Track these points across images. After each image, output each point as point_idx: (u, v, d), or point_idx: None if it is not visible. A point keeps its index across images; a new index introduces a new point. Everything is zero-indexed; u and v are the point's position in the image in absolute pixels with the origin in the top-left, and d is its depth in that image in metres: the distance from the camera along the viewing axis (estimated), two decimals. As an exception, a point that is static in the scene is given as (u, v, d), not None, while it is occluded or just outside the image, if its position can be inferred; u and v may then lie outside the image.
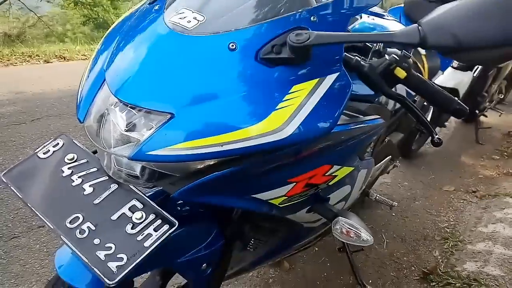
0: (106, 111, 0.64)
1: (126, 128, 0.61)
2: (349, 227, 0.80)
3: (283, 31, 0.62)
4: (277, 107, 0.59)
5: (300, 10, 0.63)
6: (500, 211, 1.95)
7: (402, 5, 1.80)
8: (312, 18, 0.63)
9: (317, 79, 0.62)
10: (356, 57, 0.73)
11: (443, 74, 1.67)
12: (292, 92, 0.60)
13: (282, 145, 0.59)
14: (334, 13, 0.65)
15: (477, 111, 3.05)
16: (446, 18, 0.56)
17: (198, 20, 0.63)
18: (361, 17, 1.07)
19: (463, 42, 0.54)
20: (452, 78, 2.42)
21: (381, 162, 1.54)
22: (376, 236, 1.76)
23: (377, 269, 1.56)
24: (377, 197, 1.53)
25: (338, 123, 0.65)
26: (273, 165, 0.68)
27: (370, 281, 1.48)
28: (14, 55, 6.85)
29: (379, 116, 0.87)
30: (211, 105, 0.59)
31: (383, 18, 1.14)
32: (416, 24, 0.58)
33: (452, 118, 3.36)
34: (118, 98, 0.61)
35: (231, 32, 0.62)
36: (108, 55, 0.70)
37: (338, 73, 0.64)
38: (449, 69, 2.50)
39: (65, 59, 7.13)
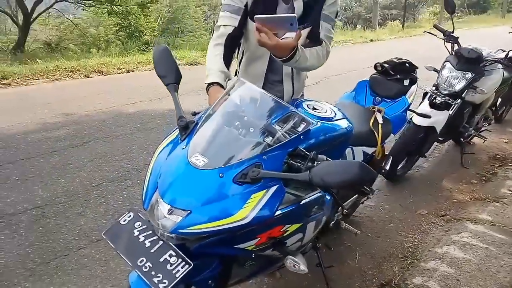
0: (157, 202, 1.20)
1: (168, 213, 1.17)
2: (293, 262, 1.34)
3: (247, 166, 1.16)
4: (243, 206, 1.13)
5: (258, 153, 1.18)
6: (457, 235, 2.40)
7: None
8: (264, 157, 1.17)
9: (265, 190, 1.16)
10: (298, 164, 1.25)
11: (394, 136, 2.15)
12: (251, 198, 1.15)
13: (246, 226, 1.13)
14: (276, 154, 1.20)
15: (461, 139, 3.46)
16: (321, 169, 1.08)
17: (204, 161, 1.19)
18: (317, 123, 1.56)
19: (326, 183, 1.06)
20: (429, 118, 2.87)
21: (349, 200, 2.05)
22: (351, 253, 2.27)
23: (346, 280, 2.06)
24: (346, 227, 2.03)
25: (283, 205, 1.19)
26: (245, 230, 1.22)
27: (339, 289, 1.99)
28: (58, 70, 7.65)
29: (318, 191, 1.39)
30: (210, 206, 1.14)
31: (333, 120, 1.63)
32: (308, 171, 1.10)
33: (441, 143, 3.76)
34: (163, 199, 1.17)
35: (220, 168, 1.18)
36: (158, 170, 1.26)
37: (277, 185, 1.18)
38: (428, 110, 2.94)
39: (103, 73, 7.84)
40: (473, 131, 3.50)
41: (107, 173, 3.23)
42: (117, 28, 14.17)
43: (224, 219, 1.12)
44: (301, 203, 1.31)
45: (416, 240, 2.41)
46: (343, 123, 1.63)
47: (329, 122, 1.57)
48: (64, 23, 13.36)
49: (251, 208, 1.13)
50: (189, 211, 1.13)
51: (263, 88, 2.04)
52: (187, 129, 1.33)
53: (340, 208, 1.99)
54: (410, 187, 3.11)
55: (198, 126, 1.33)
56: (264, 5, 1.65)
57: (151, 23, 13.88)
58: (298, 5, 1.64)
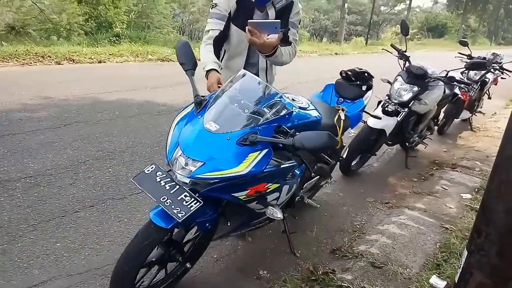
0: (177, 156, 1.58)
1: (185, 164, 1.55)
2: (273, 210, 1.77)
3: (247, 133, 1.58)
4: (242, 162, 1.54)
5: (255, 125, 1.60)
6: (396, 217, 2.93)
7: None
8: (259, 128, 1.60)
9: (259, 152, 1.58)
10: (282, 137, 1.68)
11: (352, 129, 2.66)
12: (248, 156, 1.56)
13: (242, 177, 1.54)
14: (267, 126, 1.62)
15: (407, 144, 4.06)
16: (302, 137, 1.51)
17: (216, 127, 1.59)
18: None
19: (304, 146, 1.50)
20: (381, 122, 3.41)
21: (312, 180, 2.51)
22: (310, 226, 2.72)
23: (306, 245, 2.51)
24: (308, 201, 2.48)
25: (269, 166, 1.62)
26: (240, 182, 1.63)
27: (299, 251, 2.43)
28: (29, 55, 7.61)
29: (293, 162, 1.83)
30: (218, 160, 1.54)
31: (307, 110, 2.08)
32: (292, 138, 1.53)
33: (392, 147, 4.37)
34: (183, 152, 1.55)
35: (228, 133, 1.58)
36: (178, 133, 1.64)
37: (267, 149, 1.60)
38: (380, 114, 3.49)
39: (74, 62, 7.89)
40: (417, 138, 4.12)
41: (92, 152, 3.49)
42: (85, 18, 13.91)
43: (228, 170, 1.52)
44: (280, 167, 1.74)
45: (363, 220, 2.91)
46: (314, 113, 2.08)
47: (304, 111, 2.01)
48: (24, 6, 12.85)
49: (248, 164, 1.54)
50: (203, 162, 1.52)
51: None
52: (201, 104, 1.73)
53: (304, 185, 2.45)
54: (361, 180, 3.65)
55: (210, 103, 1.73)
56: (244, 13, 2.12)
57: (121, 16, 13.80)
58: (271, 13, 2.13)
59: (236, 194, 1.66)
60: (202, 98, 1.73)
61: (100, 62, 8.27)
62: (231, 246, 2.43)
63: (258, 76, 2.31)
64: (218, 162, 1.53)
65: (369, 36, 21.94)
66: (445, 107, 4.71)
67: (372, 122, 3.44)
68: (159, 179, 1.61)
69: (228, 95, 1.74)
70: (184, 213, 1.52)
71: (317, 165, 2.49)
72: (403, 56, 3.84)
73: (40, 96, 5.00)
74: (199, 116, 1.67)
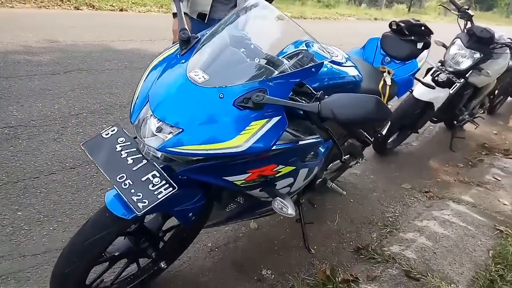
0: (146, 117, 1.09)
1: (156, 130, 1.06)
2: (282, 204, 1.26)
3: (251, 90, 1.05)
4: (241, 133, 1.03)
5: (263, 78, 1.06)
6: (439, 211, 2.38)
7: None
8: (269, 83, 1.06)
9: (266, 119, 1.06)
10: (303, 101, 1.15)
11: (398, 99, 2.08)
12: (251, 125, 1.04)
13: (239, 154, 1.03)
14: (283, 82, 1.08)
15: (455, 122, 3.41)
16: (333, 101, 0.98)
17: (204, 78, 1.08)
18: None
19: (336, 116, 0.97)
20: (428, 93, 2.78)
21: (340, 160, 1.98)
22: (331, 215, 2.22)
23: (323, 239, 2.03)
24: (332, 186, 1.97)
25: (281, 141, 1.10)
26: (237, 161, 1.12)
27: (315, 247, 1.95)
28: (47, -3, 7.19)
29: (317, 136, 1.30)
30: (204, 127, 1.04)
31: (343, 66, 1.52)
32: (318, 102, 1.00)
33: (434, 124, 3.73)
34: (153, 114, 1.05)
35: (221, 88, 1.06)
36: (151, 83, 1.14)
37: (280, 116, 1.07)
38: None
39: (94, 8, 7.42)
40: (467, 115, 3.45)
41: (88, 104, 3.05)
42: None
43: (217, 143, 1.02)
44: (298, 144, 1.22)
45: (397, 212, 2.38)
46: (353, 71, 1.52)
47: (338, 67, 1.46)
48: None
49: (248, 136, 1.03)
50: (181, 130, 1.03)
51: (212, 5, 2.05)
52: (188, 44, 1.21)
53: (329, 166, 1.92)
54: (397, 161, 3.07)
55: (201, 41, 1.21)
56: None
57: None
58: None
59: (230, 178, 1.17)
60: (190, 35, 1.21)
61: (121, 10, 7.74)
62: (231, 233, 1.98)
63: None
64: (204, 130, 1.04)
65: (412, 3, 20.24)
66: (502, 82, 3.96)
67: (419, 93, 2.81)
68: (120, 148, 1.14)
69: (230, 32, 1.22)
70: (147, 202, 1.05)
71: (348, 140, 1.95)
72: (464, 14, 3.12)
73: (47, 39, 4.56)
74: (183, 61, 1.16)
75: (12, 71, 3.41)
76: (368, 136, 1.49)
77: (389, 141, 3.05)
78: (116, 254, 1.35)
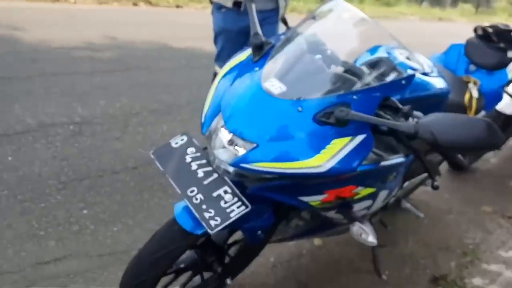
0: (217, 129, 1.00)
1: (228, 143, 0.97)
2: (361, 230, 1.12)
3: (334, 104, 0.94)
4: (321, 152, 0.92)
5: (347, 91, 0.96)
6: (526, 241, 2.12)
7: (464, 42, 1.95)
8: (354, 97, 0.94)
9: (349, 138, 0.94)
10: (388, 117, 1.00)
11: (485, 112, 1.86)
12: (332, 143, 0.93)
13: (319, 175, 0.93)
14: (368, 96, 0.97)
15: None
16: (434, 122, 0.84)
17: (281, 89, 0.98)
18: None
19: (437, 139, 0.83)
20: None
21: (417, 177, 1.80)
22: (403, 237, 2.04)
23: (396, 264, 1.85)
24: (408, 207, 1.79)
25: (365, 162, 0.98)
26: (314, 181, 1.01)
27: (387, 272, 1.78)
28: (106, -8, 7.43)
29: (401, 155, 1.15)
30: (281, 143, 0.94)
31: (429, 76, 1.35)
32: (414, 122, 0.86)
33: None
34: (225, 124, 0.96)
35: (300, 100, 0.96)
36: (223, 93, 1.06)
37: (365, 135, 0.95)
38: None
39: (151, 4, 7.58)
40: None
41: (147, 104, 3.05)
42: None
43: (295, 162, 0.92)
44: (381, 165, 1.08)
45: (478, 238, 2.14)
46: (440, 83, 1.35)
47: (425, 78, 1.29)
48: None
49: (329, 156, 0.92)
50: (255, 145, 0.93)
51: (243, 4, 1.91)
52: (262, 49, 1.11)
53: (404, 183, 1.75)
54: (474, 180, 2.78)
55: (276, 48, 1.11)
56: None
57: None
58: None
59: (305, 199, 1.06)
60: (264, 40, 1.12)
61: (177, 7, 7.88)
62: (294, 249, 1.85)
63: None
64: (280, 147, 0.94)
65: (479, 2, 19.03)
66: None
67: (502, 105, 2.53)
68: (190, 160, 1.07)
69: (306, 37, 1.11)
70: (219, 220, 0.98)
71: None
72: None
73: (107, 36, 4.67)
74: (256, 68, 1.06)
75: (75, 68, 3.49)
76: (464, 161, 1.33)
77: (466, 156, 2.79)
78: (182, 266, 1.30)
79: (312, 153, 0.93)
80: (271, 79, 1.00)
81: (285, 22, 1.76)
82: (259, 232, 1.17)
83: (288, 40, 1.12)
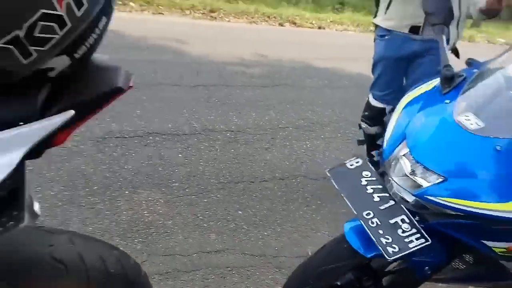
0: (399, 156, 1.01)
1: (412, 172, 0.97)
2: None
3: None
4: None
5: None
6: None
7: None
8: None
9: None
10: None
11: None
12: None
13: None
14: None
15: None
16: None
17: (478, 125, 0.94)
18: None
19: None
20: None
21: None
22: None
23: None
24: None
25: None
26: (504, 227, 0.94)
27: None
28: (257, 14, 8.07)
29: None
30: (473, 181, 0.91)
31: None
32: None
33: None
34: (410, 153, 0.97)
35: (499, 139, 0.91)
36: (407, 121, 1.07)
37: None
38: None
39: (295, 25, 7.97)
40: None
41: (293, 119, 3.22)
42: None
43: (489, 203, 0.88)
44: None
45: None
46: None
47: None
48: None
49: None
50: (443, 178, 0.91)
51: (422, 30, 1.88)
52: (452, 82, 1.09)
53: None
54: None
55: (470, 81, 1.08)
56: None
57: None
58: None
59: (488, 243, 0.99)
60: (455, 72, 1.10)
61: (319, 28, 8.12)
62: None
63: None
64: (472, 184, 0.91)
65: None
66: None
67: None
68: (366, 183, 1.09)
69: (505, 74, 1.05)
70: (397, 248, 0.97)
71: None
72: None
73: (257, 53, 5.08)
74: (447, 101, 1.04)
75: (231, 81, 3.89)
76: None
77: None
78: (338, 283, 1.33)
79: (506, 196, 0.88)
80: (466, 113, 0.98)
81: (456, 53, 1.70)
82: (427, 267, 1.14)
83: (483, 74, 1.09)
